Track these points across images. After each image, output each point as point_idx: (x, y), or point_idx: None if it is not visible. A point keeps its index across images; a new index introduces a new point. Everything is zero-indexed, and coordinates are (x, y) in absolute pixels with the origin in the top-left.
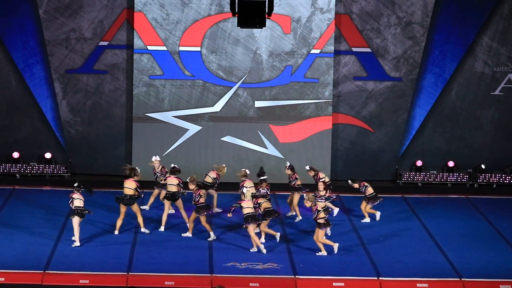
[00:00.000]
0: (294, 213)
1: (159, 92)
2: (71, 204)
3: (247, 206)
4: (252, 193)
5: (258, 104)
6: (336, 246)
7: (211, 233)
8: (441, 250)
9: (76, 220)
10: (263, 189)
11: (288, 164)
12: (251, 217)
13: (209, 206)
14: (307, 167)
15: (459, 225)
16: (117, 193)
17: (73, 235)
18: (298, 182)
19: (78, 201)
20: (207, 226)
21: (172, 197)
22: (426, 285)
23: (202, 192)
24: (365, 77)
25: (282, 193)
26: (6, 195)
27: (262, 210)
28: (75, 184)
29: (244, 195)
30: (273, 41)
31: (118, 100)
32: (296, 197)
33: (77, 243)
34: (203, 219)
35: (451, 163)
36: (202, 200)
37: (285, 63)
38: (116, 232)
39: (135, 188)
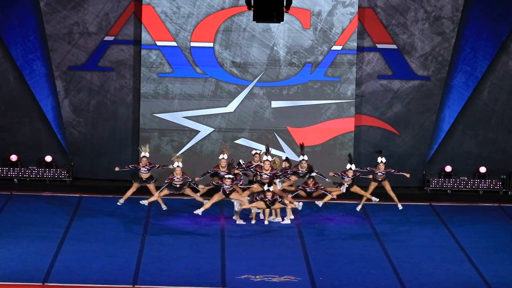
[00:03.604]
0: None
1: (168, 91)
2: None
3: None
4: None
5: (274, 104)
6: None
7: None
8: (472, 263)
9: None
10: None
11: (284, 157)
12: None
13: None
14: (283, 157)
15: (491, 235)
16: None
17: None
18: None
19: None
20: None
21: None
22: None
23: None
24: (390, 76)
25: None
26: (3, 202)
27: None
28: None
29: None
30: (291, 37)
31: (124, 100)
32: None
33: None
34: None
35: (483, 169)
36: None
37: (304, 61)
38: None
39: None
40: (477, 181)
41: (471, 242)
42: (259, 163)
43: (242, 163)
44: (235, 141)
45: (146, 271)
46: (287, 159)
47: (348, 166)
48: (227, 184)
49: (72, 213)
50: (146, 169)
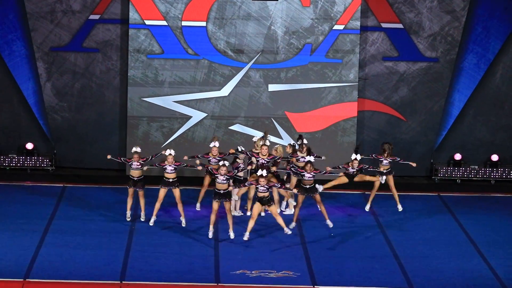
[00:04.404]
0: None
1: (158, 74)
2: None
3: None
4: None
5: (272, 88)
6: None
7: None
8: (483, 257)
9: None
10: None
11: (291, 142)
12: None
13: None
14: (291, 142)
15: (503, 228)
16: (109, 190)
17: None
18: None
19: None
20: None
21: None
22: None
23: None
24: (396, 57)
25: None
26: None
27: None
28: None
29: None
30: (290, 16)
31: (110, 83)
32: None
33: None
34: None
35: (495, 157)
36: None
37: (303, 41)
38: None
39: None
40: (489, 170)
41: (482, 235)
42: (259, 150)
43: (241, 150)
44: (230, 127)
45: (134, 267)
46: (293, 146)
47: (354, 156)
48: (222, 174)
49: (55, 204)
50: (137, 165)
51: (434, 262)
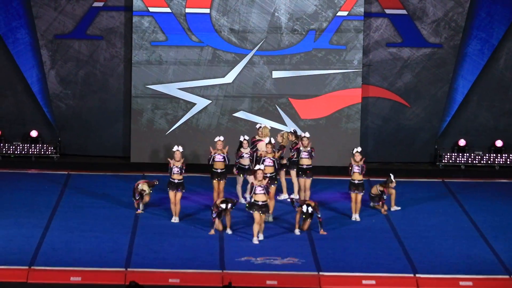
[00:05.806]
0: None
1: (162, 61)
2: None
3: None
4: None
5: (276, 74)
6: None
7: None
8: (488, 243)
9: None
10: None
11: (292, 129)
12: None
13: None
14: (292, 129)
15: (507, 213)
16: (114, 177)
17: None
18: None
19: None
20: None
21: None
22: (471, 283)
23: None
24: (400, 43)
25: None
26: None
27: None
28: None
29: None
30: (294, 2)
31: (115, 70)
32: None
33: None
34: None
35: (499, 143)
36: None
37: (307, 27)
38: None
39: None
40: (493, 156)
41: (486, 221)
42: (262, 137)
43: (245, 139)
44: (234, 114)
45: (139, 254)
46: (294, 132)
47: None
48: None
49: (59, 192)
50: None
51: (438, 248)
